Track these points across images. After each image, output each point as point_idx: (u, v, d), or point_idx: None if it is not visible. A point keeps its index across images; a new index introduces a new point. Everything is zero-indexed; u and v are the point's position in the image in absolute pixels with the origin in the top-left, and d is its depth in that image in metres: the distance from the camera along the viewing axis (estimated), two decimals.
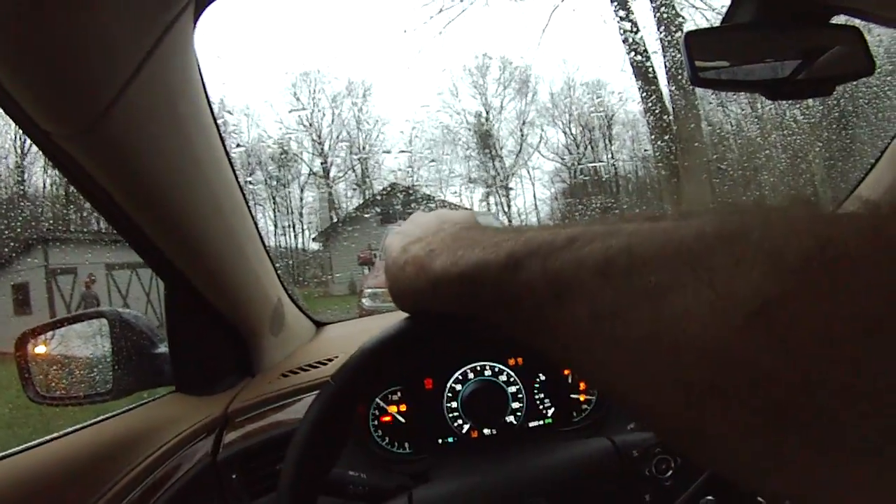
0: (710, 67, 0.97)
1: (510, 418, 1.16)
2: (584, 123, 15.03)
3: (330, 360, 1.28)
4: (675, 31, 9.08)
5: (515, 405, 1.17)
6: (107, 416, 1.09)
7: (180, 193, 0.89)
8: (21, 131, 0.71)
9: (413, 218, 0.64)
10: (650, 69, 9.41)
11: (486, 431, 1.15)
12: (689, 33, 0.94)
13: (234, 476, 1.04)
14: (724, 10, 0.99)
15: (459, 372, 1.16)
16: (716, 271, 0.27)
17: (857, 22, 0.95)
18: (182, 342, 1.17)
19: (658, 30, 9.30)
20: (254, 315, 1.21)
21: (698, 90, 9.17)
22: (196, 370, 1.20)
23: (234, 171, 1.06)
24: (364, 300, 6.05)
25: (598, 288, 0.33)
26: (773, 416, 0.24)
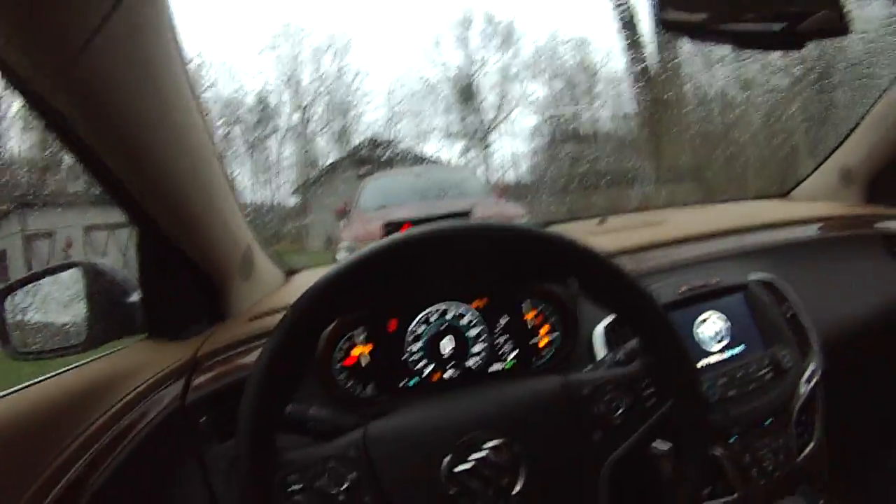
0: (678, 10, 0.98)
1: (472, 361, 1.19)
2: (567, 80, 14.86)
3: None
4: None
5: (477, 348, 1.19)
6: (76, 364, 1.11)
7: (149, 136, 0.90)
8: None
9: None
10: (636, 26, 9.32)
11: (449, 374, 1.18)
12: None
13: (202, 419, 1.06)
14: None
15: (423, 314, 1.18)
16: None
17: None
18: (153, 288, 1.18)
19: None
20: (223, 260, 1.22)
21: (684, 49, 9.11)
22: (167, 316, 1.21)
23: (203, 116, 1.07)
24: (339, 253, 5.85)
25: None
26: None
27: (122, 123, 0.84)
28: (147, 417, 1.03)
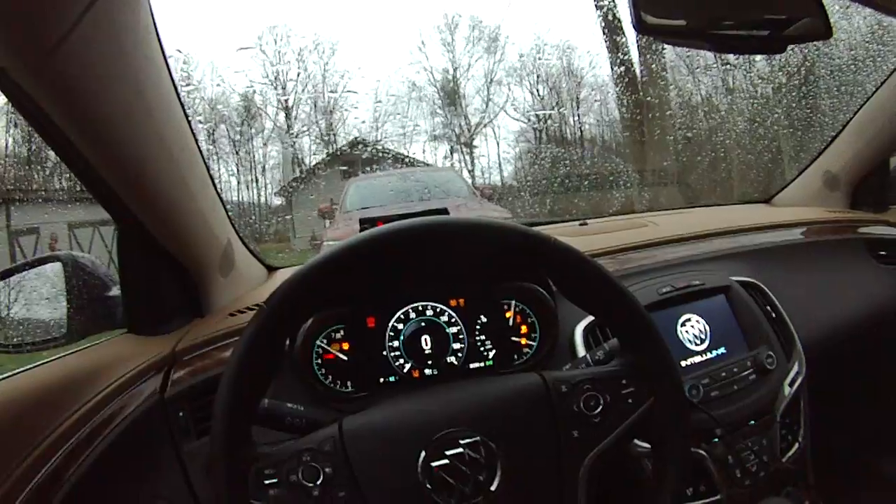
0: (657, 16, 0.97)
1: (451, 359, 1.18)
2: (551, 85, 14.91)
3: None
4: None
5: (457, 346, 1.19)
6: (55, 356, 1.10)
7: (128, 131, 0.90)
8: None
9: None
10: (620, 31, 9.35)
11: (428, 372, 1.17)
12: None
13: (181, 413, 1.05)
14: None
15: (402, 311, 1.18)
16: None
17: None
18: (133, 283, 1.17)
19: None
20: (203, 256, 1.22)
21: (667, 56, 9.16)
22: (147, 310, 1.20)
23: (184, 111, 1.07)
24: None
25: None
26: None
27: (100, 118, 0.84)
28: (126, 411, 1.03)
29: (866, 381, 1.66)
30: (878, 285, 1.63)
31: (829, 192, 1.97)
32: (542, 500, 0.83)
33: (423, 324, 1.18)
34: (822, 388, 1.32)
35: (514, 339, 1.24)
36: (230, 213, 1.33)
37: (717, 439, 1.17)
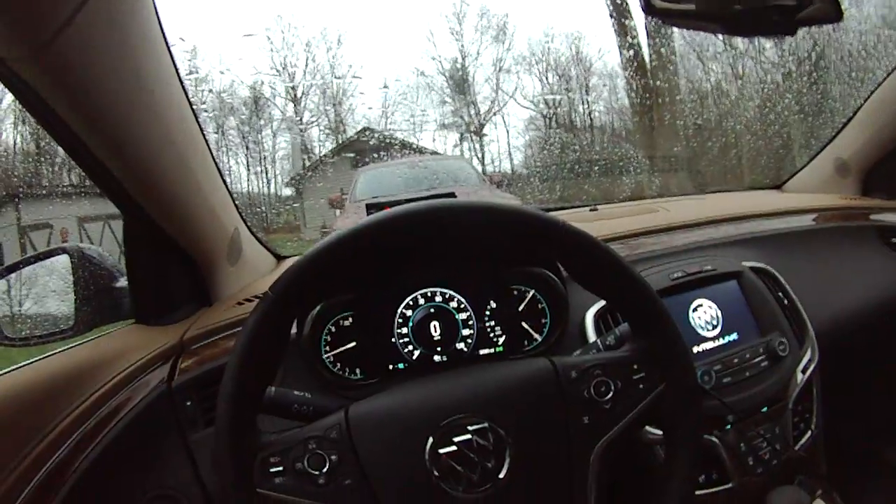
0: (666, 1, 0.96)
1: (461, 345, 1.18)
2: (561, 73, 14.87)
3: None
4: None
5: (466, 332, 1.18)
6: (64, 348, 1.10)
7: (131, 119, 0.90)
8: None
9: None
10: (629, 14, 9.29)
11: (437, 358, 1.17)
12: None
13: (188, 402, 1.05)
14: None
15: (410, 298, 1.17)
16: None
17: None
18: (140, 273, 1.18)
19: None
20: (210, 245, 1.22)
21: (677, 43, 9.10)
22: (154, 301, 1.20)
23: (188, 100, 1.07)
24: None
25: None
26: None
27: (102, 107, 0.84)
28: (133, 401, 1.03)
29: (877, 368, 1.64)
30: (891, 272, 1.61)
31: (840, 178, 1.95)
32: (551, 488, 0.81)
33: (432, 310, 1.17)
34: (833, 375, 1.31)
35: (524, 324, 1.22)
36: (237, 202, 1.33)
37: (728, 426, 1.16)
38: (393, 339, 1.16)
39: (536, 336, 1.22)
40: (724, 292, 1.30)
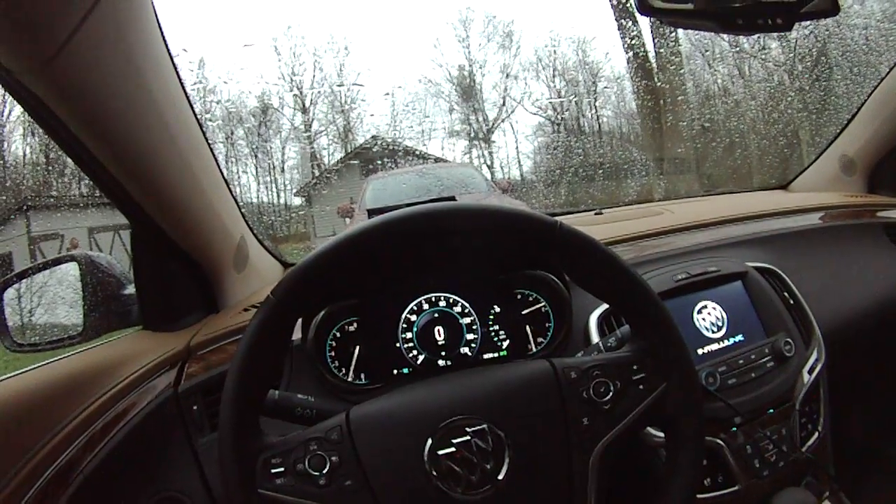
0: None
1: (465, 350, 1.18)
2: (568, 78, 14.87)
3: None
4: None
5: (470, 336, 1.18)
6: (72, 352, 1.11)
7: (137, 130, 0.91)
8: None
9: None
10: (633, 16, 9.27)
11: (441, 363, 1.17)
12: None
13: (195, 407, 1.06)
14: None
15: (414, 303, 1.18)
16: None
17: None
18: (148, 280, 1.19)
19: None
20: (216, 252, 1.23)
21: (682, 45, 9.08)
22: (161, 307, 1.22)
23: (193, 110, 1.08)
24: None
25: None
26: None
27: (107, 117, 0.86)
28: (140, 405, 1.04)
29: (885, 367, 1.63)
30: None
31: (846, 176, 1.94)
32: (551, 490, 0.81)
33: (436, 315, 1.18)
34: (840, 375, 1.30)
35: (527, 328, 1.22)
36: (243, 210, 1.34)
37: (734, 428, 1.15)
38: (397, 344, 1.16)
39: (540, 340, 1.22)
40: (728, 293, 1.30)
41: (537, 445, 0.82)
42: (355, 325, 1.17)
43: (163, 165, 1.00)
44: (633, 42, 9.08)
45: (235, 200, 1.30)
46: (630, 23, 9.13)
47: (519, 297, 1.23)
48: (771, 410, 1.19)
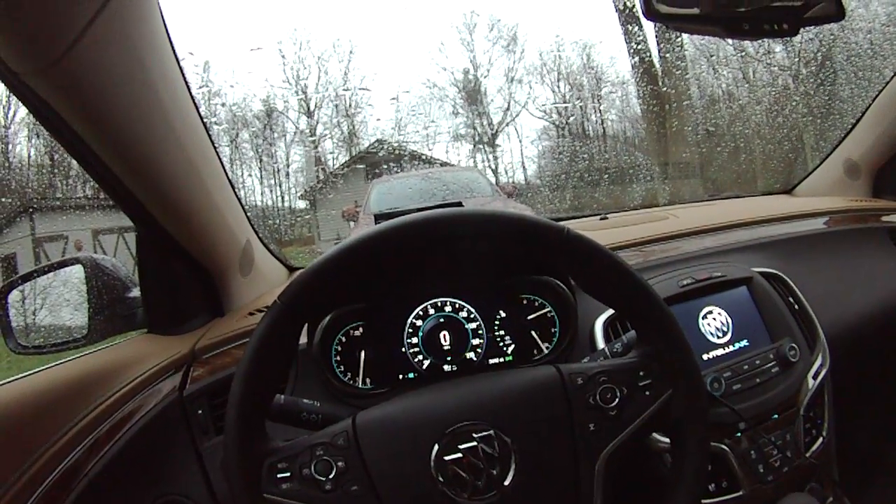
0: (669, 4, 0.96)
1: (470, 355, 1.18)
2: (572, 82, 14.85)
3: None
4: None
5: (476, 341, 1.18)
6: (77, 355, 1.12)
7: (143, 132, 0.92)
8: None
9: None
10: (638, 21, 9.26)
11: (447, 368, 1.17)
12: None
13: (199, 411, 1.07)
14: None
15: (420, 308, 1.18)
16: None
17: None
18: (153, 283, 1.19)
19: None
20: (222, 256, 1.23)
21: (687, 49, 9.08)
22: (166, 311, 1.22)
23: (199, 113, 1.08)
24: None
25: None
26: None
27: (114, 120, 0.86)
28: (145, 408, 1.05)
29: (890, 372, 1.63)
30: None
31: (850, 180, 1.94)
32: (557, 495, 0.81)
33: (441, 320, 1.18)
34: (845, 380, 1.30)
35: (533, 333, 1.22)
36: (249, 214, 1.35)
37: (739, 434, 1.15)
38: (403, 349, 1.17)
39: (546, 345, 1.22)
40: (734, 298, 1.29)
41: (543, 451, 0.81)
42: (361, 329, 1.18)
43: (168, 168, 1.00)
44: (639, 47, 9.08)
45: (241, 204, 1.30)
46: (635, 28, 9.14)
47: (525, 302, 1.23)
48: (775, 416, 1.19)
